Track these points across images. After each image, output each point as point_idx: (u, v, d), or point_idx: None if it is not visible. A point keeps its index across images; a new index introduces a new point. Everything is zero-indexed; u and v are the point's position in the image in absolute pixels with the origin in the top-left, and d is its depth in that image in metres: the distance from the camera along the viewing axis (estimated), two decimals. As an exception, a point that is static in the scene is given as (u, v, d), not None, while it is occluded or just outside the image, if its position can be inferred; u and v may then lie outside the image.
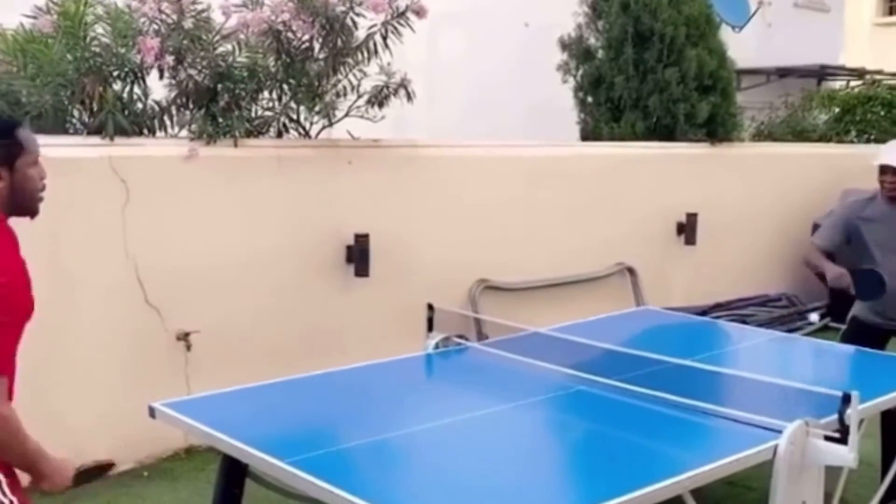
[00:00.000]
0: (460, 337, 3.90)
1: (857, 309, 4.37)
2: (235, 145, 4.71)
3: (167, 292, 4.45)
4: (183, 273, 4.48)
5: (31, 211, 2.25)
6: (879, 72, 11.23)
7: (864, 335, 4.24)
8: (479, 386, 3.48)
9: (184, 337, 4.48)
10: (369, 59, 5.09)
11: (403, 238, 5.26)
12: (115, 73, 4.71)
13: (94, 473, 2.36)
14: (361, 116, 5.24)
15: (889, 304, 4.19)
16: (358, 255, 5.03)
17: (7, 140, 2.18)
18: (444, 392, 3.55)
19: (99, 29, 4.69)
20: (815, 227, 7.37)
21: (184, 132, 4.84)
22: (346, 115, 5.23)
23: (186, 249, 4.51)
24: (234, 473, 3.00)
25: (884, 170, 4.23)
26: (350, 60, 5.05)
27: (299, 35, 4.92)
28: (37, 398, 4.00)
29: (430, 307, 3.91)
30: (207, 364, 4.47)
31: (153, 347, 4.42)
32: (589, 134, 7.14)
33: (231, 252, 4.65)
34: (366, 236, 5.05)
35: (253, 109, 5.04)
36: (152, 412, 3.04)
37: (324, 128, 5.31)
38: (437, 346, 3.78)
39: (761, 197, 7.31)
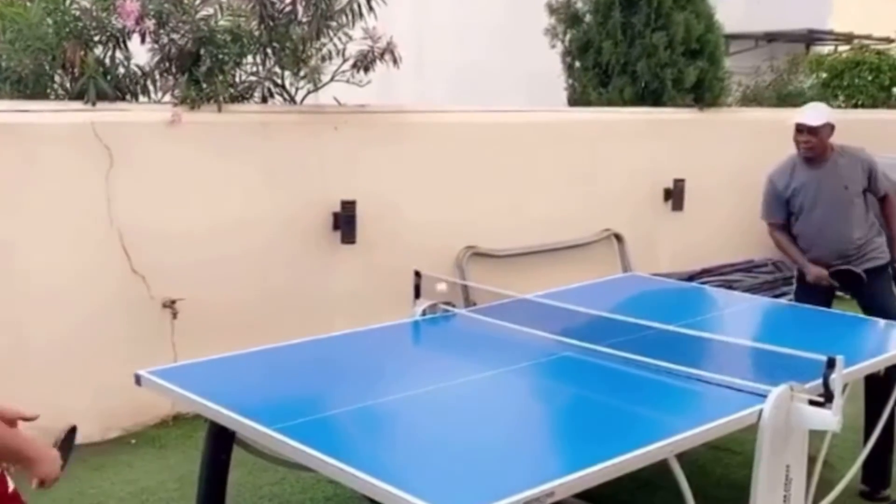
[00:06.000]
0: (447, 304, 3.89)
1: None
2: (220, 110, 4.66)
3: (153, 259, 4.42)
4: (168, 240, 4.45)
5: None
6: (868, 36, 11.18)
7: (812, 292, 4.59)
8: (467, 352, 3.48)
9: (170, 304, 4.47)
10: (354, 22, 5.03)
11: (391, 205, 5.23)
12: (96, 38, 4.64)
13: (69, 442, 2.08)
14: (347, 81, 5.18)
15: (822, 256, 4.58)
16: (345, 222, 5.01)
17: None
18: (431, 359, 3.55)
19: (79, -8, 4.61)
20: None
21: (167, 97, 4.79)
22: (332, 79, 5.18)
23: (171, 216, 4.48)
24: (221, 440, 3.01)
25: (799, 129, 4.54)
26: (334, 24, 4.99)
27: (282, -2, 4.85)
28: (22, 367, 4.00)
29: (418, 274, 3.90)
30: (194, 331, 4.46)
31: (139, 315, 4.41)
32: (577, 99, 7.09)
33: (216, 219, 4.62)
34: (353, 203, 5.02)
35: (237, 74, 4.98)
36: (138, 380, 3.03)
37: (309, 93, 5.26)
38: (424, 313, 3.77)
39: (749, 162, 7.27)
